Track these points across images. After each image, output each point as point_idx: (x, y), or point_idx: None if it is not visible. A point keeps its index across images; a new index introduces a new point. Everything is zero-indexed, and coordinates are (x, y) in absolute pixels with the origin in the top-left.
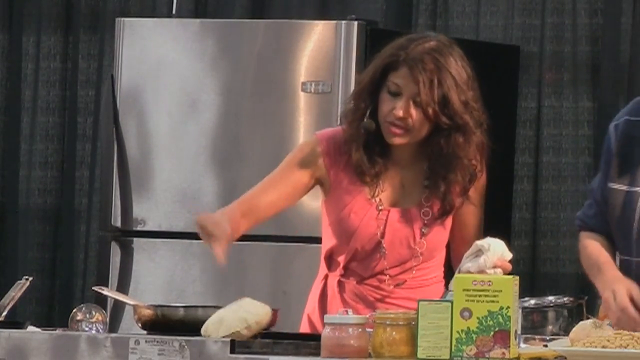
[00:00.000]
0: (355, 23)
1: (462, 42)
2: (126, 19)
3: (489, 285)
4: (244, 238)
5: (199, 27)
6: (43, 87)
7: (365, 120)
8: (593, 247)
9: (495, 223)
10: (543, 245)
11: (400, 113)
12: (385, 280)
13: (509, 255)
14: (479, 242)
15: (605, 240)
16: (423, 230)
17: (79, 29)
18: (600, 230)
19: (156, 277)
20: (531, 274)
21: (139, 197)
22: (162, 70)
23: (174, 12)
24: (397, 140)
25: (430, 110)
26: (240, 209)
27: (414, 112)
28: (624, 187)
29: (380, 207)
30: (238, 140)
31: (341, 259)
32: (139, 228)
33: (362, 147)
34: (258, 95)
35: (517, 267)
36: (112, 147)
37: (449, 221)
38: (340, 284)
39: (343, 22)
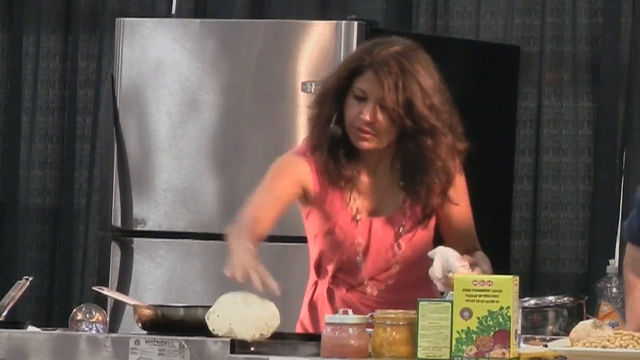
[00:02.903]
0: (355, 23)
1: (463, 42)
2: (126, 19)
3: (489, 285)
4: None
5: (199, 27)
6: (42, 86)
7: (331, 126)
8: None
9: (495, 223)
10: (543, 245)
11: (368, 117)
12: (373, 286)
13: (455, 267)
14: (428, 252)
15: None
16: (403, 232)
17: (78, 29)
18: None
19: (156, 277)
20: (531, 274)
21: (139, 197)
22: (162, 70)
23: (173, 12)
24: (366, 145)
25: (395, 114)
26: (252, 236)
27: (380, 116)
28: None
29: (358, 217)
30: (238, 140)
31: (330, 267)
32: (139, 228)
33: (327, 152)
34: (258, 95)
35: (517, 267)
36: (112, 147)
37: (431, 222)
38: (329, 292)
39: (343, 22)
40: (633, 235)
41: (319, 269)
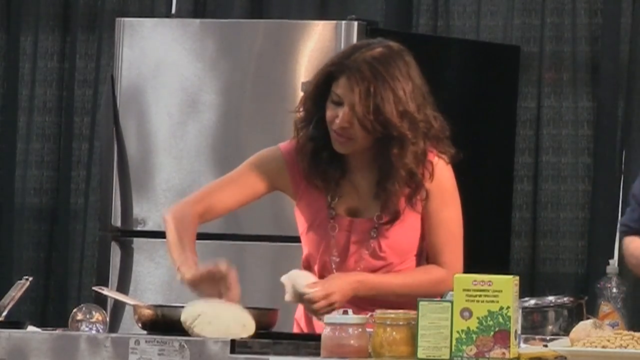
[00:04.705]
0: (355, 23)
1: (463, 42)
2: (126, 19)
3: (489, 285)
4: (244, 238)
5: (198, 27)
6: (40, 86)
7: (310, 128)
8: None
9: (495, 223)
10: (543, 245)
11: (341, 122)
12: None
13: (302, 290)
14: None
15: None
16: (376, 236)
17: (76, 29)
18: None
19: (156, 277)
20: (531, 274)
21: (139, 197)
22: (162, 70)
23: (173, 12)
24: (342, 149)
25: (365, 121)
26: (198, 210)
27: (354, 121)
28: None
29: (332, 214)
30: (238, 140)
31: (316, 267)
32: (139, 228)
33: (310, 154)
34: (258, 95)
35: (517, 267)
36: (112, 147)
37: (413, 222)
38: None
39: (343, 22)
40: (634, 226)
41: (308, 269)
